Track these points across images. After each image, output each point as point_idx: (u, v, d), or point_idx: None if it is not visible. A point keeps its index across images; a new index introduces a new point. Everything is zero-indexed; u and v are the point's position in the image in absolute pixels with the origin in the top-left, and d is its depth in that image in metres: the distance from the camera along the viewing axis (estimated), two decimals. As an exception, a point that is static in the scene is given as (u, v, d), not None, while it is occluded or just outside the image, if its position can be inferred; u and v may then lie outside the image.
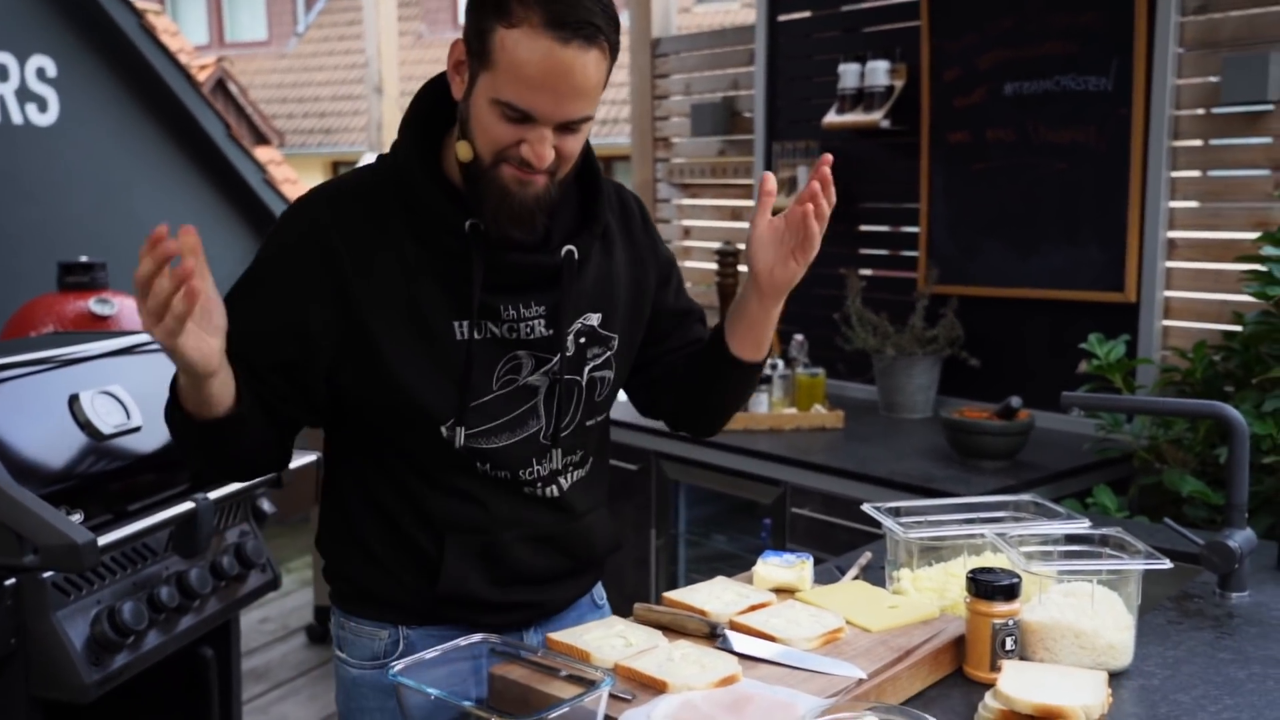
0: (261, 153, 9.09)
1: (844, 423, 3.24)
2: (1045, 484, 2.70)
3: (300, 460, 2.57)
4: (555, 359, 1.53)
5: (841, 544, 2.69)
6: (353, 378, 1.47)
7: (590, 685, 1.20)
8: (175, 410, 1.42)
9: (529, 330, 1.50)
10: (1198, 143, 2.91)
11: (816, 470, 2.87)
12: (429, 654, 1.26)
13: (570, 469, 1.60)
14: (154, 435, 2.25)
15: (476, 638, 1.33)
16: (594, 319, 1.57)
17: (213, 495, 2.21)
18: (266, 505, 2.47)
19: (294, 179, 9.81)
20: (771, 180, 1.59)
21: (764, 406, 3.26)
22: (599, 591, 1.77)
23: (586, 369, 1.57)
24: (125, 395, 2.25)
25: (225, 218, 5.91)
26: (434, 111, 1.49)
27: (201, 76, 10.38)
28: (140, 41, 5.15)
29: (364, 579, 1.59)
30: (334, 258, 1.44)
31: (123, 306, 3.80)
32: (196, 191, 5.70)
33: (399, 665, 1.21)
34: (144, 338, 2.51)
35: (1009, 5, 3.19)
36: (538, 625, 1.63)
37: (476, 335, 1.47)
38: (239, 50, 15.74)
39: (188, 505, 2.14)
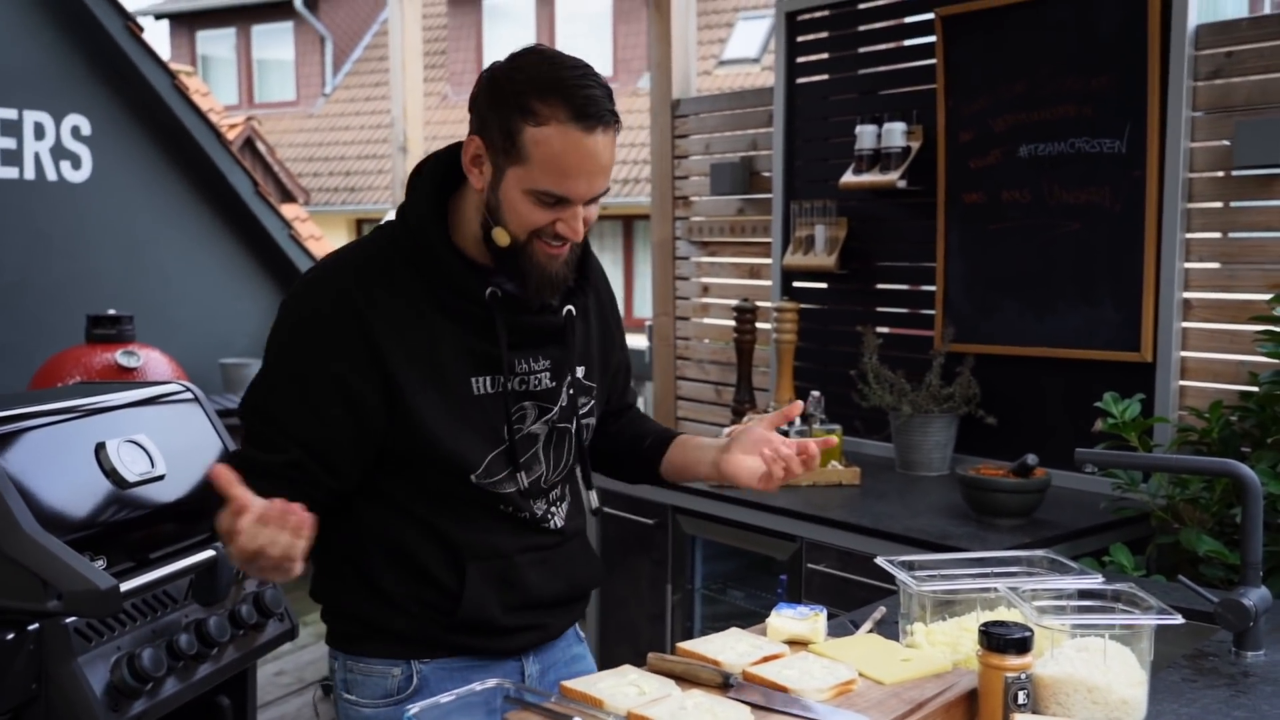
0: (287, 210, 9.24)
1: (860, 479, 3.25)
2: (1062, 542, 2.69)
3: (320, 511, 2.60)
4: (555, 409, 1.69)
5: (857, 600, 2.69)
6: (388, 434, 1.57)
7: (604, 731, 1.21)
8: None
9: (537, 382, 1.66)
10: (1212, 205, 2.93)
11: (833, 526, 2.87)
12: (444, 698, 1.28)
13: (560, 501, 1.76)
14: (177, 484, 2.29)
15: (492, 683, 1.34)
16: (580, 371, 1.73)
17: (233, 544, 2.23)
18: (286, 555, 2.49)
19: (319, 235, 9.96)
20: (799, 407, 1.81)
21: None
22: (579, 626, 1.90)
23: (576, 417, 1.73)
24: (150, 444, 2.28)
25: (251, 272, 5.99)
26: (441, 185, 1.62)
27: (231, 135, 10.59)
28: (172, 101, 5.27)
29: (372, 616, 1.65)
30: (364, 324, 1.54)
31: (148, 358, 3.86)
32: (223, 246, 5.79)
33: (414, 709, 1.23)
34: (171, 388, 2.56)
35: (1022, 69, 3.24)
36: (535, 652, 1.75)
37: (490, 389, 1.62)
38: (268, 110, 16.04)
39: (208, 554, 2.17)
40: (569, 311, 1.68)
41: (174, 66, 6.02)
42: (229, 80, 16.67)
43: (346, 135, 15.40)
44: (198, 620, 2.19)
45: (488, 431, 1.61)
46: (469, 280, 1.58)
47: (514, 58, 1.54)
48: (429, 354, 1.57)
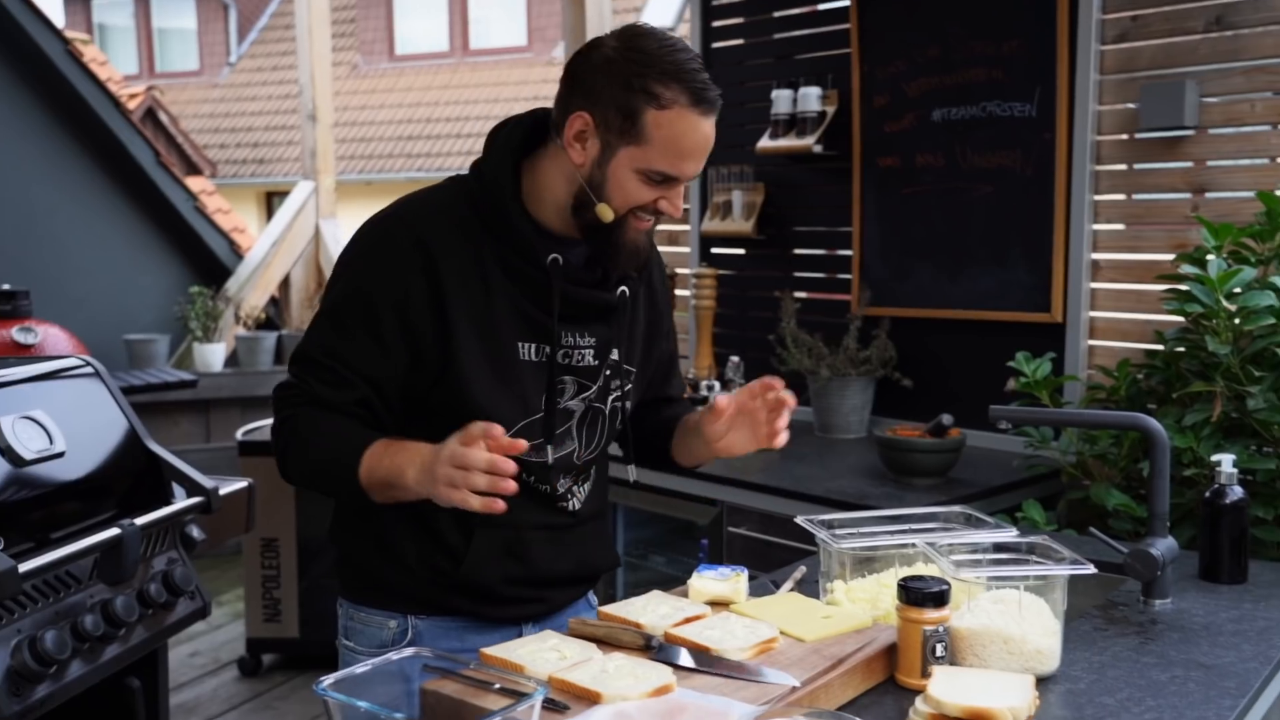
0: (193, 183, 8.98)
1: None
2: (976, 500, 2.74)
3: (231, 486, 2.53)
4: (593, 387, 1.71)
5: (778, 561, 2.70)
6: (427, 381, 1.61)
7: (522, 697, 1.19)
8: (351, 480, 1.56)
9: (580, 358, 1.68)
10: (1119, 167, 2.99)
11: (753, 489, 2.88)
12: (359, 668, 1.25)
13: (584, 483, 1.77)
14: (78, 461, 2.20)
15: (409, 652, 1.31)
16: (616, 353, 1.74)
17: (139, 521, 2.16)
18: (195, 532, 2.41)
19: (227, 209, 9.71)
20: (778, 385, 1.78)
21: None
22: (592, 596, 1.90)
23: (610, 399, 1.74)
24: (49, 421, 2.19)
25: (155, 246, 5.83)
26: (517, 148, 1.65)
27: (131, 105, 10.25)
28: (66, 68, 5.08)
29: (376, 568, 1.70)
30: (431, 262, 1.58)
31: (46, 334, 3.72)
32: (125, 219, 5.62)
33: (328, 680, 1.20)
34: (70, 363, 2.46)
35: (935, 33, 3.26)
36: (537, 621, 1.75)
37: (535, 357, 1.64)
38: (170, 80, 15.55)
39: (113, 531, 2.09)
40: (623, 292, 1.71)
41: (68, 34, 5.79)
42: (128, 49, 16.13)
43: (254, 106, 15.02)
44: (103, 600, 2.11)
45: (525, 398, 1.64)
46: (535, 244, 1.61)
47: (629, 39, 1.56)
48: (484, 309, 1.60)
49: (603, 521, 1.86)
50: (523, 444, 1.46)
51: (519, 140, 1.65)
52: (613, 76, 1.53)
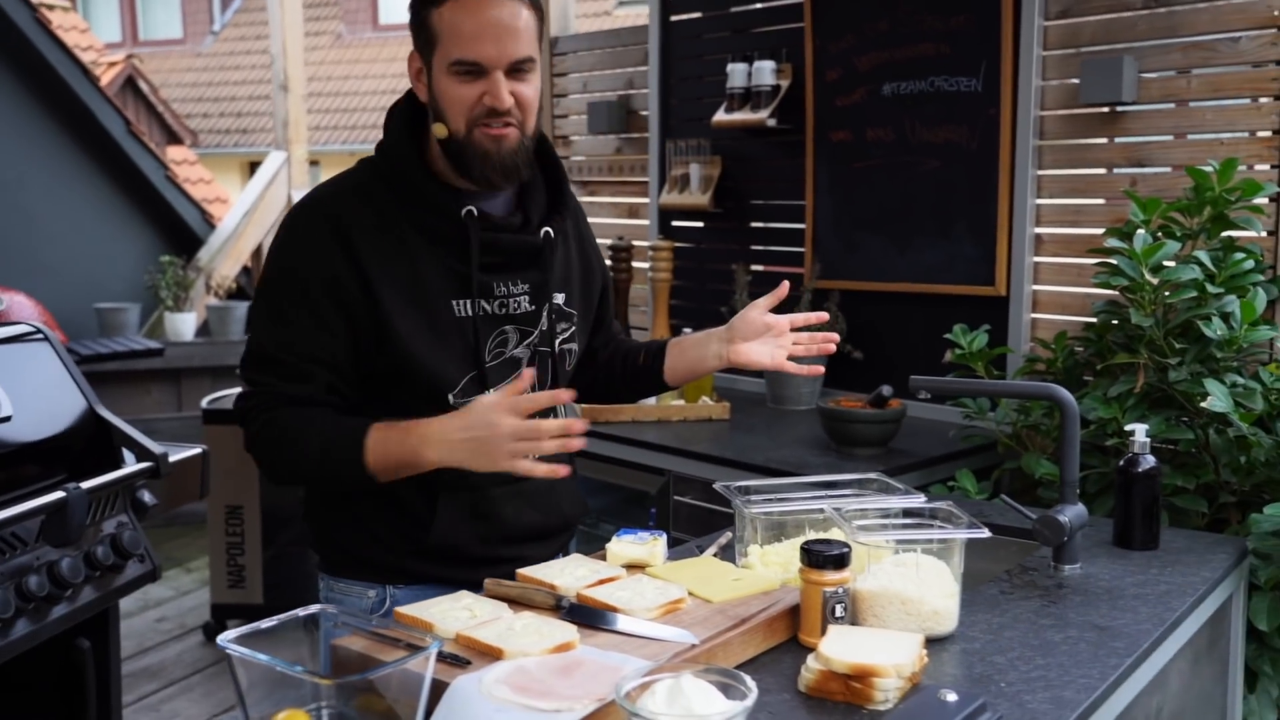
0: (174, 152, 8.97)
1: (730, 414, 3.31)
2: (916, 470, 2.80)
3: (183, 453, 2.57)
4: (535, 332, 1.76)
5: (721, 529, 2.76)
6: (370, 353, 1.66)
7: (417, 650, 1.25)
8: (356, 470, 1.63)
9: (516, 305, 1.73)
10: (1062, 142, 3.03)
11: (698, 459, 2.94)
12: (265, 623, 1.30)
13: None
14: (25, 425, 2.24)
15: (315, 608, 1.36)
16: (559, 297, 1.80)
17: (86, 485, 2.21)
18: (147, 497, 2.46)
19: (208, 178, 9.68)
20: (785, 287, 1.90)
21: (652, 398, 3.33)
22: (572, 548, 1.96)
23: (557, 341, 1.79)
24: (-5, 386, 2.23)
25: (126, 215, 5.84)
26: (412, 119, 1.72)
27: (111, 74, 10.20)
28: (34, 34, 5.08)
29: (352, 544, 1.76)
30: (347, 240, 1.64)
31: (12, 302, 3.76)
32: (94, 188, 5.63)
33: (231, 634, 1.25)
34: (20, 329, 2.50)
35: (884, 7, 3.30)
36: None
37: (470, 312, 1.69)
38: (153, 49, 15.45)
39: (58, 494, 2.14)
40: (546, 233, 1.75)
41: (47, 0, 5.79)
42: (111, 16, 16.01)
43: (237, 75, 14.95)
44: (50, 562, 2.16)
45: (466, 353, 1.68)
46: (445, 199, 1.67)
47: None
48: (410, 275, 1.65)
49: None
50: (567, 394, 1.59)
51: (411, 112, 1.72)
52: (412, 7, 1.66)
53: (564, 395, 1.58)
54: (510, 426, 1.54)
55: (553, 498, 1.84)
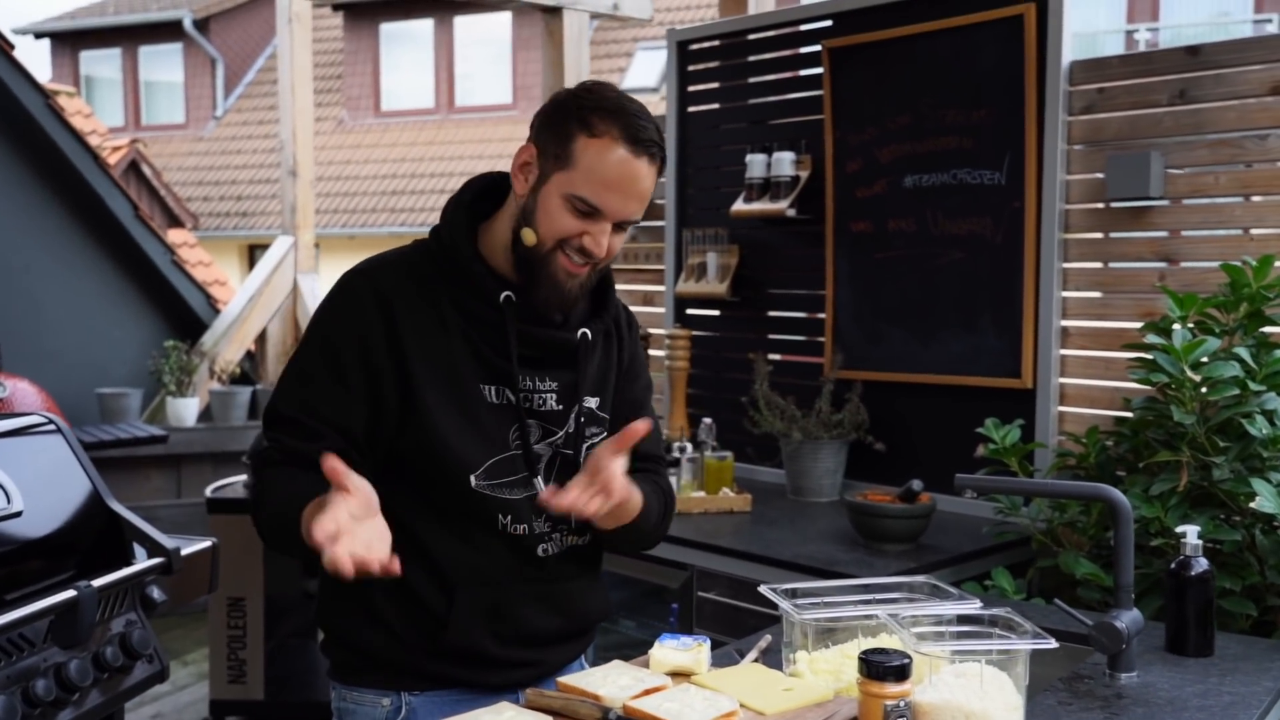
0: (175, 235, 8.99)
1: (752, 506, 3.25)
2: (947, 566, 2.73)
3: (194, 547, 2.50)
4: (560, 433, 1.72)
5: (748, 628, 2.68)
6: (392, 426, 1.64)
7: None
8: (295, 538, 1.53)
9: (541, 402, 1.70)
10: (1088, 235, 3.02)
11: (722, 554, 2.87)
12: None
13: (567, 534, 1.74)
14: (36, 521, 2.17)
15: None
16: (593, 402, 1.76)
17: (97, 583, 2.13)
18: (156, 593, 2.37)
19: (208, 261, 9.70)
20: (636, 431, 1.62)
21: (673, 489, 3.26)
22: (590, 655, 1.91)
23: (585, 445, 1.74)
24: (7, 480, 2.16)
25: (130, 299, 5.81)
26: (475, 202, 1.72)
27: (114, 158, 10.27)
28: (45, 121, 5.10)
29: (367, 642, 1.69)
30: (387, 311, 1.63)
31: (16, 389, 3.69)
32: (100, 273, 5.61)
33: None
34: (32, 420, 2.44)
35: (906, 101, 3.31)
36: (536, 684, 1.71)
37: (498, 400, 1.67)
38: (156, 133, 15.61)
39: (69, 594, 2.06)
40: (584, 334, 1.73)
41: (53, 87, 5.83)
42: (115, 101, 16.20)
43: (239, 159, 15.08)
44: (57, 664, 2.07)
45: (491, 438, 1.66)
46: (487, 284, 1.66)
47: (585, 84, 1.66)
48: (444, 352, 1.64)
49: (592, 573, 1.84)
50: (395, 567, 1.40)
51: (471, 196, 1.72)
52: (559, 109, 1.63)
53: (394, 567, 1.40)
54: (321, 516, 1.39)
55: (576, 599, 1.78)
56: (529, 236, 1.63)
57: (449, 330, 1.65)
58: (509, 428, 1.67)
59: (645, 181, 1.61)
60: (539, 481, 1.68)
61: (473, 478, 1.64)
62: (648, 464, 1.90)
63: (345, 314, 1.66)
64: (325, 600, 1.78)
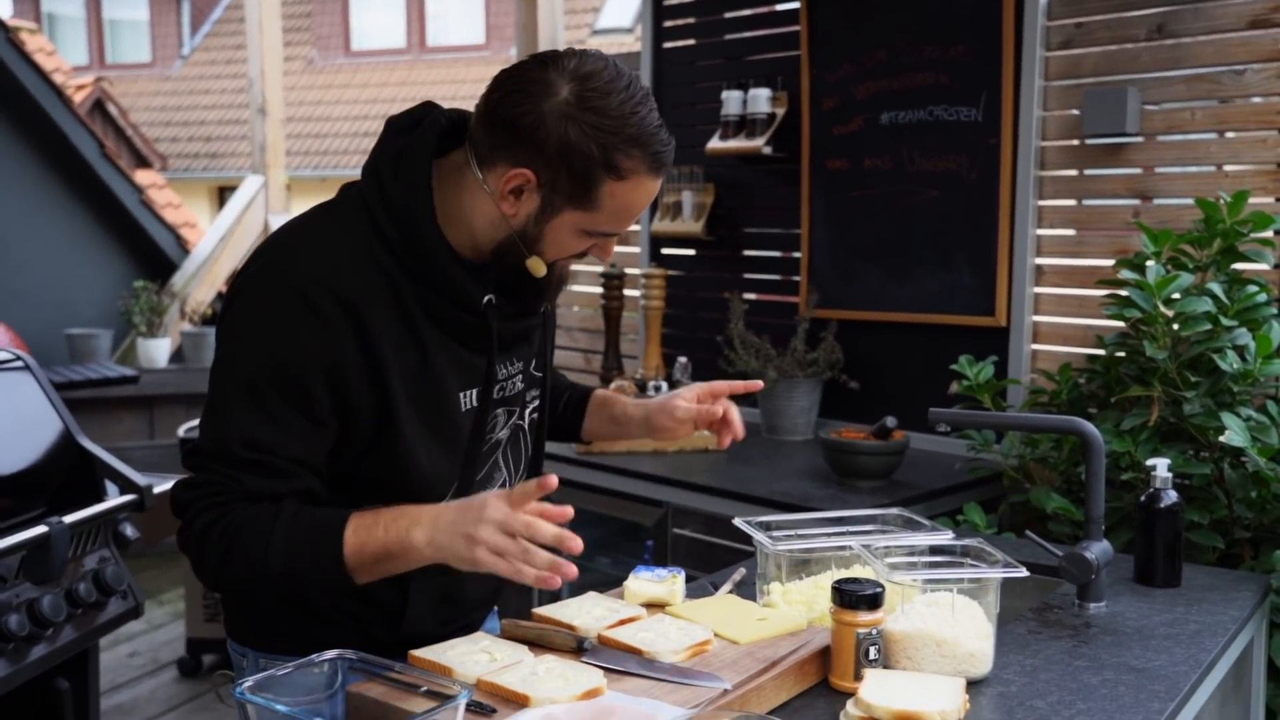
0: (143, 176, 8.84)
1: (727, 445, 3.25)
2: (919, 502, 2.75)
3: (166, 484, 2.48)
4: (517, 409, 1.62)
5: (722, 563, 2.70)
6: (358, 449, 1.45)
7: (446, 700, 1.17)
8: (330, 566, 1.37)
9: (512, 388, 1.60)
10: (1063, 173, 3.01)
11: (697, 491, 2.88)
12: (280, 670, 1.22)
13: None
14: (5, 457, 2.15)
15: (332, 654, 1.29)
16: (533, 364, 1.65)
17: (68, 519, 2.12)
18: (129, 530, 2.37)
19: (177, 203, 9.55)
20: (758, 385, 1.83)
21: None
22: (495, 609, 1.83)
23: (528, 412, 1.65)
24: (-25, 416, 2.14)
25: (99, 240, 5.73)
26: (429, 165, 1.48)
27: (79, 97, 10.06)
28: (8, 56, 4.98)
29: (301, 629, 1.52)
30: (361, 326, 1.40)
31: (-17, 328, 3.65)
32: (67, 212, 5.52)
33: (248, 682, 1.17)
34: (1, 356, 2.41)
35: (883, 37, 3.28)
36: None
37: (474, 404, 1.52)
38: (121, 72, 15.29)
39: (40, 529, 2.05)
40: (546, 310, 1.63)
41: (15, 23, 5.69)
42: (78, 39, 15.84)
43: (206, 99, 14.81)
44: (30, 600, 2.07)
45: (462, 443, 1.52)
46: (469, 290, 1.46)
47: (585, 94, 1.39)
48: (421, 367, 1.45)
49: None
50: (569, 510, 1.35)
51: (430, 157, 1.48)
52: (568, 138, 1.39)
53: (551, 481, 1.34)
54: (499, 515, 1.32)
55: None
56: (539, 266, 1.49)
57: (424, 342, 1.45)
58: (482, 428, 1.55)
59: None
60: (518, 454, 1.64)
61: (446, 498, 1.50)
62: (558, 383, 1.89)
63: (308, 335, 1.38)
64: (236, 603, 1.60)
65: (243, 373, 1.40)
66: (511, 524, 1.31)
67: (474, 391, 1.52)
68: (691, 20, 3.90)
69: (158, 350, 5.48)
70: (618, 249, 4.16)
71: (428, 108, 1.54)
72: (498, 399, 1.56)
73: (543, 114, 1.39)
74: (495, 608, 1.81)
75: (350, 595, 1.46)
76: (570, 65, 1.41)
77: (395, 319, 1.43)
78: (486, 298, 1.48)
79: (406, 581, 1.50)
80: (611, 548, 3.41)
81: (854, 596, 1.47)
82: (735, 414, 1.76)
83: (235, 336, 1.42)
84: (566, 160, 1.40)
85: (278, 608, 1.54)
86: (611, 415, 1.84)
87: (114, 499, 2.31)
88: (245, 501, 1.38)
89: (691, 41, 3.89)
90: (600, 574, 3.38)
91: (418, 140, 1.47)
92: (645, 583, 1.70)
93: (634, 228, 4.07)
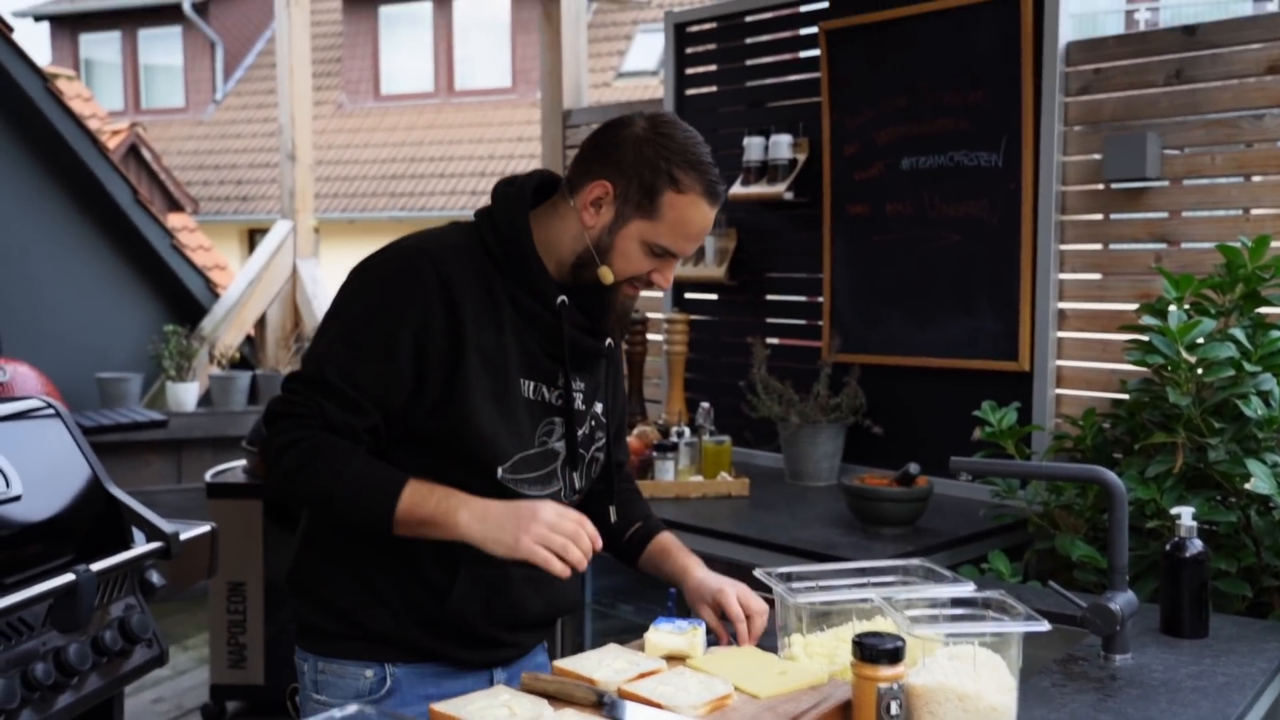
0: (174, 219, 8.98)
1: (750, 490, 3.25)
2: (944, 550, 2.73)
3: (193, 531, 2.50)
4: (581, 431, 1.80)
5: (745, 611, 2.69)
6: (428, 409, 1.65)
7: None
8: (382, 510, 1.60)
9: (573, 400, 1.77)
10: (1085, 217, 3.01)
11: (720, 538, 2.87)
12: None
13: None
14: (35, 505, 2.18)
15: (352, 709, 1.29)
16: (599, 406, 1.86)
17: (96, 567, 2.13)
18: (155, 578, 2.38)
19: (208, 245, 9.69)
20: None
21: (670, 474, 3.27)
22: (545, 644, 1.97)
23: (592, 448, 1.84)
24: (6, 464, 2.17)
25: (131, 283, 5.81)
26: (529, 202, 1.77)
27: (114, 142, 10.25)
28: (45, 105, 5.09)
29: (352, 609, 1.72)
30: (450, 296, 1.64)
31: (16, 373, 3.69)
32: (100, 257, 5.60)
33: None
34: (32, 404, 2.44)
35: (903, 83, 3.30)
36: (506, 666, 1.81)
37: (533, 395, 1.73)
38: (155, 117, 15.57)
39: (68, 577, 2.07)
40: (609, 344, 1.83)
41: (53, 70, 5.81)
42: (114, 85, 16.15)
43: (238, 143, 15.04)
44: (56, 648, 2.08)
45: (521, 433, 1.71)
46: (548, 286, 1.71)
47: (659, 124, 1.70)
48: (495, 344, 1.68)
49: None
50: (599, 542, 1.62)
51: (529, 195, 1.76)
52: (641, 154, 1.66)
53: (594, 534, 1.62)
54: (550, 518, 1.57)
55: (561, 587, 1.82)
56: (607, 276, 1.71)
57: (502, 324, 1.69)
58: (538, 424, 1.73)
59: (713, 222, 1.74)
60: (575, 476, 1.79)
61: (500, 469, 1.68)
62: (621, 471, 2.02)
63: (408, 290, 1.65)
64: (306, 566, 1.79)
65: (348, 315, 1.67)
66: (562, 526, 1.58)
67: (533, 383, 1.73)
68: (714, 67, 3.95)
69: (186, 394, 5.54)
70: (643, 293, 4.19)
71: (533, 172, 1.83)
72: (556, 405, 1.75)
73: (623, 138, 1.69)
74: (545, 644, 1.94)
75: (402, 571, 1.69)
76: (648, 113, 1.74)
77: (483, 300, 1.67)
78: (560, 299, 1.71)
79: (458, 565, 1.68)
80: (634, 595, 3.40)
81: (875, 651, 1.47)
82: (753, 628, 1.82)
83: (349, 288, 1.70)
84: (638, 172, 1.66)
85: (337, 597, 1.73)
86: (667, 560, 1.97)
87: (141, 546, 2.33)
88: (327, 431, 1.61)
89: (714, 88, 3.93)
90: (623, 620, 3.37)
91: (522, 180, 1.78)
92: (666, 635, 1.70)
93: (657, 272, 4.09)
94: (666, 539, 1.99)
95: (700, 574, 1.88)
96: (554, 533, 1.57)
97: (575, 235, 1.72)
